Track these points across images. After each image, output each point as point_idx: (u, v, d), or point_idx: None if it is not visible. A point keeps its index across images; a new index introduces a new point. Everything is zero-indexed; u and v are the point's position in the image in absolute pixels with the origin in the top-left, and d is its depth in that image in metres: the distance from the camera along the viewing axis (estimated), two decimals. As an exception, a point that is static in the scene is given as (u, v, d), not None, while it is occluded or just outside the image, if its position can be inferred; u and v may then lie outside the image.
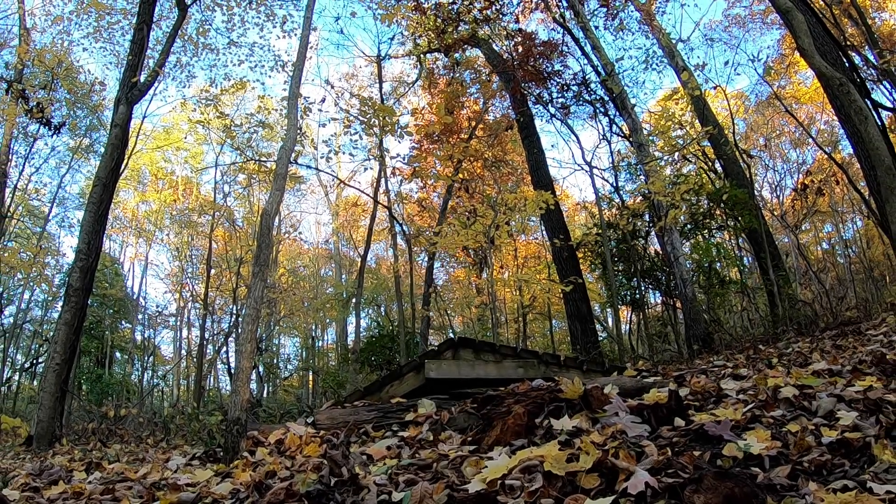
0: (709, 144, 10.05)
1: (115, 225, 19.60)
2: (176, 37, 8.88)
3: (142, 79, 7.87)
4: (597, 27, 10.56)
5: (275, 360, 19.06)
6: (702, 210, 8.65)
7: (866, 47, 11.24)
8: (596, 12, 10.80)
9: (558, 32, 10.91)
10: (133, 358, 20.28)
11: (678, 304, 8.65)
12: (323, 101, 17.27)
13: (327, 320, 20.70)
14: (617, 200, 10.22)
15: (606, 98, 9.85)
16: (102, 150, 7.95)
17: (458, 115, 13.82)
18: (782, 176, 19.09)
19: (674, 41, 11.59)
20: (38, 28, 12.29)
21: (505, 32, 10.78)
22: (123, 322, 20.80)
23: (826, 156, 13.35)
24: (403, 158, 13.86)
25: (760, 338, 6.28)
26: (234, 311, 14.78)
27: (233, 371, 11.98)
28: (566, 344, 13.79)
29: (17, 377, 17.14)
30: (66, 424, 7.50)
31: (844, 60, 6.83)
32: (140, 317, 20.80)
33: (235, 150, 12.04)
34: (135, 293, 20.93)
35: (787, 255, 14.06)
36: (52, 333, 8.60)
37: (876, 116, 6.32)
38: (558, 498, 1.35)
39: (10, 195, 13.23)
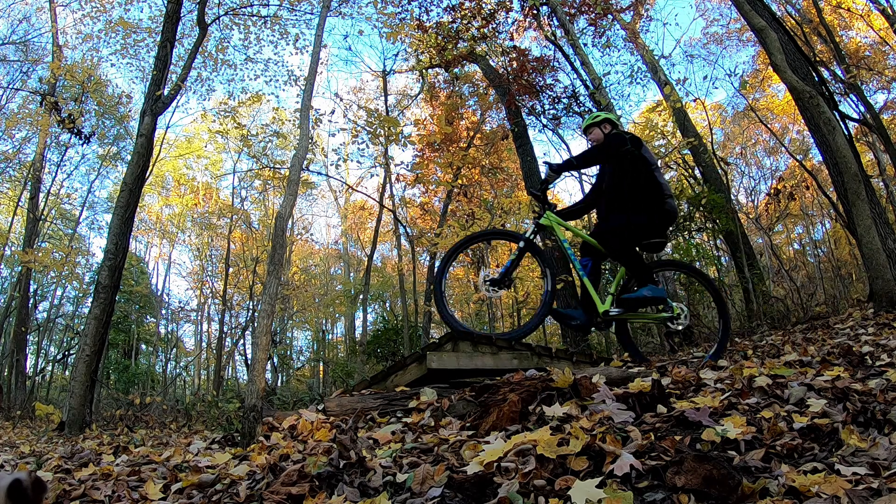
0: (689, 153, 10.04)
1: (141, 227, 19.61)
2: (197, 53, 8.88)
3: (165, 92, 7.86)
4: (585, 44, 10.57)
5: (288, 352, 19.05)
6: (682, 213, 8.63)
7: (834, 63, 11.24)
8: (585, 31, 10.81)
9: (550, 49, 10.91)
10: (157, 350, 20.28)
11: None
12: (333, 112, 17.26)
13: (336, 315, 20.68)
14: (604, 204, 10.20)
15: (594, 110, 9.84)
16: (129, 157, 7.94)
17: (458, 126, 13.81)
18: (757, 182, 19.11)
19: (657, 57, 11.59)
20: (69, 45, 12.31)
21: (501, 49, 10.77)
22: (148, 317, 20.82)
23: (797, 163, 13.35)
24: (407, 165, 13.88)
25: (736, 331, 6.27)
26: (251, 307, 14.77)
27: (249, 362, 11.98)
28: (557, 337, 13.78)
29: (50, 368, 17.15)
30: (95, 411, 7.51)
31: (814, 75, 6.82)
32: (164, 312, 20.80)
33: (252, 158, 12.05)
34: (159, 290, 20.94)
35: (761, 254, 14.03)
36: (82, 327, 8.59)
37: (843, 127, 6.32)
38: (550, 479, 1.35)
39: (44, 199, 13.24)
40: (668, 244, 8.92)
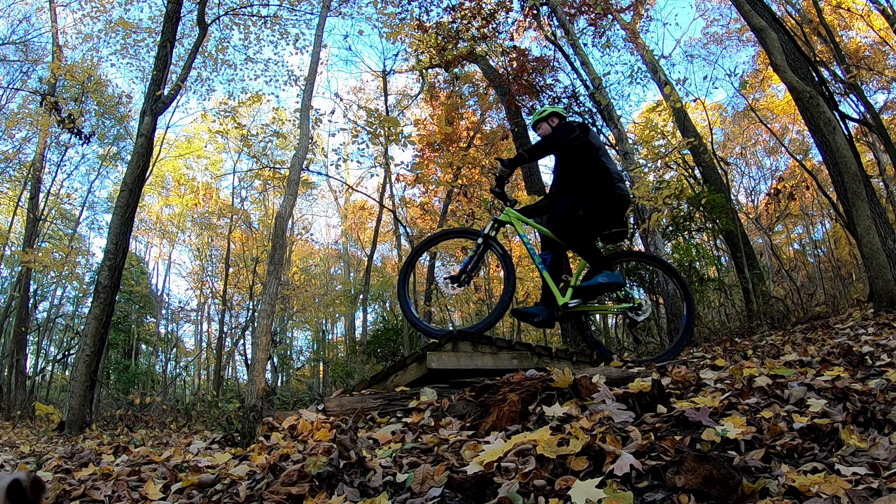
0: (689, 153, 10.04)
1: (141, 227, 19.62)
2: (197, 53, 8.88)
3: (165, 92, 7.86)
4: (585, 44, 10.57)
5: (288, 352, 19.05)
6: (682, 213, 8.63)
7: (834, 63, 11.24)
8: (585, 30, 10.81)
9: (550, 49, 10.90)
10: (157, 350, 20.27)
11: (661, 300, 8.65)
12: (333, 112, 17.29)
13: (336, 315, 20.68)
14: (604, 204, 10.19)
15: (594, 110, 9.84)
16: (129, 157, 7.94)
17: (458, 126, 13.82)
18: (757, 182, 19.13)
19: (657, 57, 11.59)
20: (69, 45, 12.32)
21: (501, 49, 10.77)
22: (148, 317, 20.82)
23: (797, 163, 13.35)
24: (407, 165, 13.88)
25: (736, 331, 6.27)
26: (251, 307, 14.77)
27: (249, 362, 11.98)
28: (557, 336, 13.77)
29: (50, 368, 17.15)
30: (95, 411, 7.50)
31: (814, 75, 6.82)
32: (164, 312, 20.80)
33: (252, 158, 12.06)
34: (159, 290, 20.95)
35: (761, 254, 14.04)
36: (82, 327, 8.59)
37: (843, 127, 6.32)
38: (550, 479, 1.35)
39: (44, 199, 13.24)
40: (669, 244, 8.92)
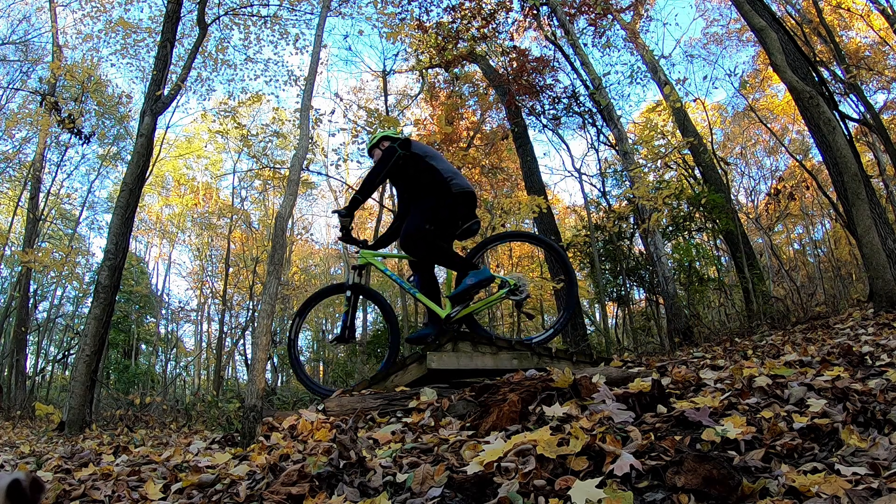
0: (689, 153, 10.04)
1: (141, 227, 19.62)
2: (197, 53, 8.88)
3: (165, 92, 7.86)
4: (585, 44, 10.57)
5: (288, 352, 19.02)
6: (682, 213, 8.63)
7: (834, 63, 11.24)
8: (585, 31, 10.81)
9: (550, 49, 10.90)
10: (157, 350, 20.27)
11: (661, 300, 8.65)
12: (333, 112, 17.30)
13: (336, 315, 20.67)
14: (604, 204, 10.22)
15: (594, 110, 9.84)
16: (129, 157, 7.94)
17: (458, 126, 13.80)
18: (757, 182, 19.14)
19: (657, 57, 11.60)
20: (69, 45, 12.32)
21: (501, 49, 10.77)
22: (148, 317, 20.83)
23: (797, 163, 13.35)
24: (407, 166, 13.83)
25: (736, 331, 6.27)
26: (251, 307, 14.78)
27: (249, 362, 11.97)
28: (557, 337, 13.73)
29: (50, 368, 17.16)
30: (95, 411, 7.51)
31: (814, 75, 6.82)
32: (164, 312, 20.80)
33: (252, 158, 12.05)
34: (159, 290, 20.95)
35: (761, 254, 14.04)
36: (82, 327, 8.59)
37: (843, 127, 6.32)
38: (550, 479, 1.35)
39: (44, 199, 13.24)
40: (669, 244, 8.91)
